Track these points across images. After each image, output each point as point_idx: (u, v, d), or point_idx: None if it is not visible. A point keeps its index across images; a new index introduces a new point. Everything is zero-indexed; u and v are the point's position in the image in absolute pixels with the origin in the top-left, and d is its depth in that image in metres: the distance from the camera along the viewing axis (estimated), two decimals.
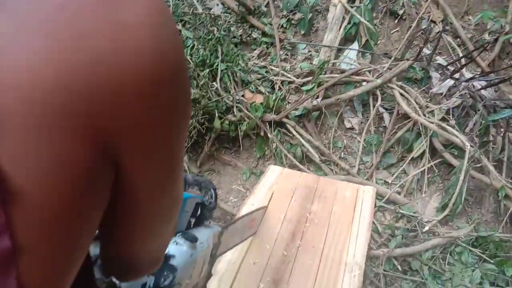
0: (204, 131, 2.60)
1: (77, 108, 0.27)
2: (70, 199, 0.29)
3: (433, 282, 2.23)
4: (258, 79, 2.93)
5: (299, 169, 2.65)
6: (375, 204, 2.52)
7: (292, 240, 1.83)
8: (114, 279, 0.57)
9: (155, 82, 0.30)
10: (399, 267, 2.30)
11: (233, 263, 1.69)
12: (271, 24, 3.22)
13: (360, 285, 1.59)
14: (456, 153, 2.61)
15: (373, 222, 2.46)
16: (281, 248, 1.79)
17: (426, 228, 2.40)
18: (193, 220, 0.92)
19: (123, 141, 0.31)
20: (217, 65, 2.82)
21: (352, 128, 3.00)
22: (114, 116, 0.29)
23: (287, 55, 3.23)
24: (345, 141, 2.96)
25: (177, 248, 0.74)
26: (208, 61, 2.80)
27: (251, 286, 1.60)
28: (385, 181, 2.78)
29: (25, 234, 0.28)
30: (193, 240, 0.77)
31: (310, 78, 2.95)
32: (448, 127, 2.55)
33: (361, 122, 3.01)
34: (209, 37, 2.90)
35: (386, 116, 2.92)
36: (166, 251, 0.69)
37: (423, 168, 2.65)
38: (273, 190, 2.16)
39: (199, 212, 0.94)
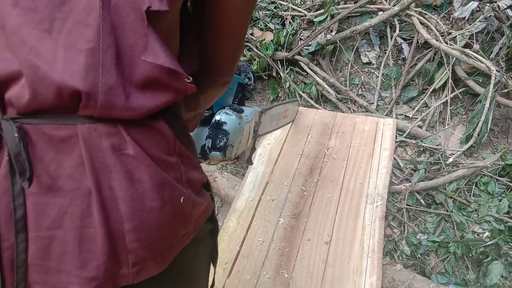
0: None
1: None
2: None
3: (458, 214, 2.17)
4: (267, 16, 2.77)
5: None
6: (396, 139, 2.43)
7: (310, 176, 1.77)
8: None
9: None
10: (422, 201, 2.23)
11: (251, 201, 1.66)
12: None
13: (383, 215, 1.54)
14: (480, 80, 2.46)
15: (394, 158, 2.37)
16: (299, 183, 1.74)
17: (450, 160, 2.30)
18: (236, 101, 1.06)
19: None
20: None
21: (369, 63, 2.85)
22: None
23: None
24: (362, 77, 2.82)
25: (227, 116, 0.90)
26: None
27: (270, 221, 1.57)
28: (405, 116, 2.66)
29: None
30: (239, 111, 0.93)
31: (322, 11, 2.78)
32: (472, 53, 2.38)
33: (379, 56, 2.85)
34: None
35: (405, 47, 2.75)
36: (219, 118, 0.89)
37: (445, 99, 2.52)
38: (288, 128, 2.09)
39: (240, 94, 1.07)
